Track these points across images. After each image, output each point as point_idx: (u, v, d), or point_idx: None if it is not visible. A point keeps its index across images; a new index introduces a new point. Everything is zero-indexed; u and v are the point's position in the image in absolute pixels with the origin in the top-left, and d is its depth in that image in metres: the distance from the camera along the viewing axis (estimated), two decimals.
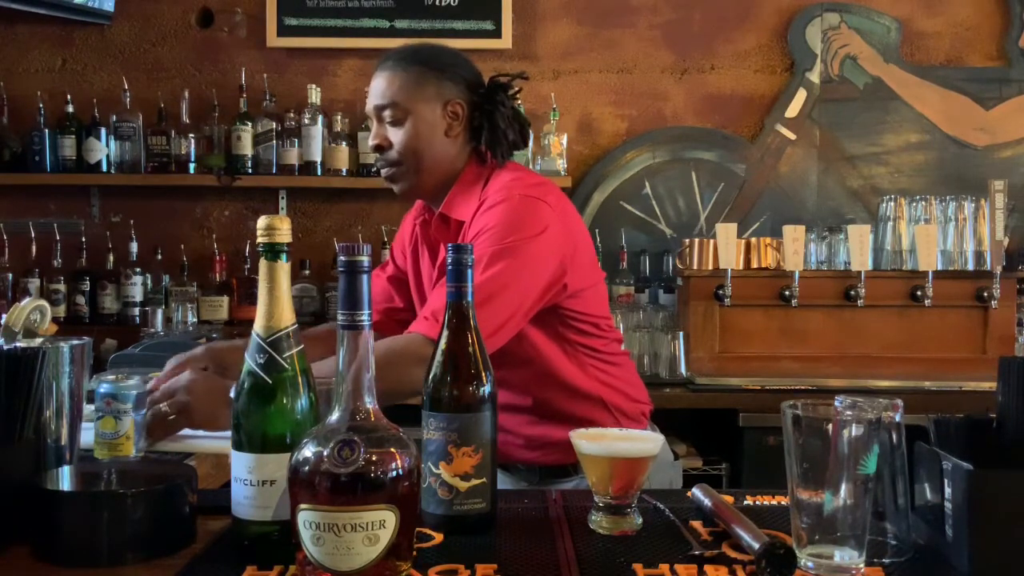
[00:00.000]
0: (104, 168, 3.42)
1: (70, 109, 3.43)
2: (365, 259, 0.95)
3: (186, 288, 3.40)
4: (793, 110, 3.53)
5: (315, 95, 3.40)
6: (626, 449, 1.14)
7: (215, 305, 3.39)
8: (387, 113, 1.75)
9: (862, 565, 0.97)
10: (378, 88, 1.76)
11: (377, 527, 0.88)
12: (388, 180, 1.80)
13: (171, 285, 3.42)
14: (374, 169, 3.34)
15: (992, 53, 3.55)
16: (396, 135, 1.75)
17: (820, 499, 0.96)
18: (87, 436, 1.44)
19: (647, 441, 1.17)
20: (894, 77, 3.52)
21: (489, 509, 1.12)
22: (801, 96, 3.53)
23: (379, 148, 1.77)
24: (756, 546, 0.97)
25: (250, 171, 3.39)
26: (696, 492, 1.21)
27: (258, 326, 1.03)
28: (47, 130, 3.41)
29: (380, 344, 1.51)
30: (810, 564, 0.97)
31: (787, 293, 3.06)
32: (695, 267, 3.08)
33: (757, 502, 1.28)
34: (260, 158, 3.40)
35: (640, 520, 1.14)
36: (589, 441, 1.15)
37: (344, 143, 3.37)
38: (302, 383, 1.04)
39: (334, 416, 0.93)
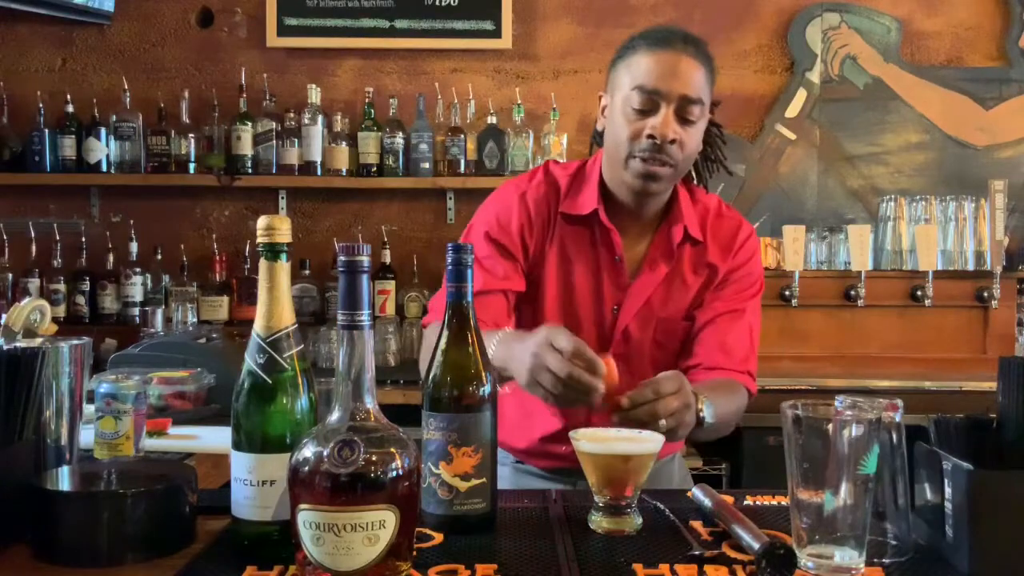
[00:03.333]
0: (104, 168, 3.42)
1: (70, 109, 3.43)
2: (365, 259, 0.95)
3: (186, 288, 3.40)
4: (793, 110, 3.53)
5: (315, 95, 3.40)
6: (626, 449, 1.14)
7: (215, 305, 3.39)
8: (693, 109, 1.53)
9: (862, 565, 0.97)
10: (689, 77, 1.53)
11: (377, 527, 0.88)
12: (646, 176, 1.55)
13: (171, 285, 3.42)
14: (374, 169, 3.37)
15: (992, 53, 3.55)
16: (687, 136, 1.54)
17: (820, 499, 0.96)
18: (87, 436, 1.44)
19: (647, 441, 1.17)
20: (894, 77, 3.52)
21: (489, 509, 1.12)
22: (801, 96, 3.53)
23: (668, 142, 1.52)
24: (756, 546, 0.97)
25: (250, 171, 3.39)
26: (696, 492, 1.21)
27: (258, 326, 1.03)
28: (47, 130, 3.41)
29: (732, 400, 1.57)
30: (810, 564, 0.97)
31: (787, 293, 3.06)
32: None
33: (757, 502, 1.28)
34: (260, 158, 3.40)
35: (640, 520, 1.14)
36: (589, 441, 1.15)
37: (344, 143, 3.37)
38: (302, 383, 1.04)
39: (334, 416, 0.93)
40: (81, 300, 3.42)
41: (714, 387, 1.53)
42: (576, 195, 1.65)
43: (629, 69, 1.56)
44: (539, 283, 1.65)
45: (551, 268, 1.64)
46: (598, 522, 1.13)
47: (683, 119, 1.53)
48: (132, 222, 3.50)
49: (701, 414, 1.36)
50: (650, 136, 1.52)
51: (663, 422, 1.26)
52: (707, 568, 0.99)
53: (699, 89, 1.53)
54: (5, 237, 3.46)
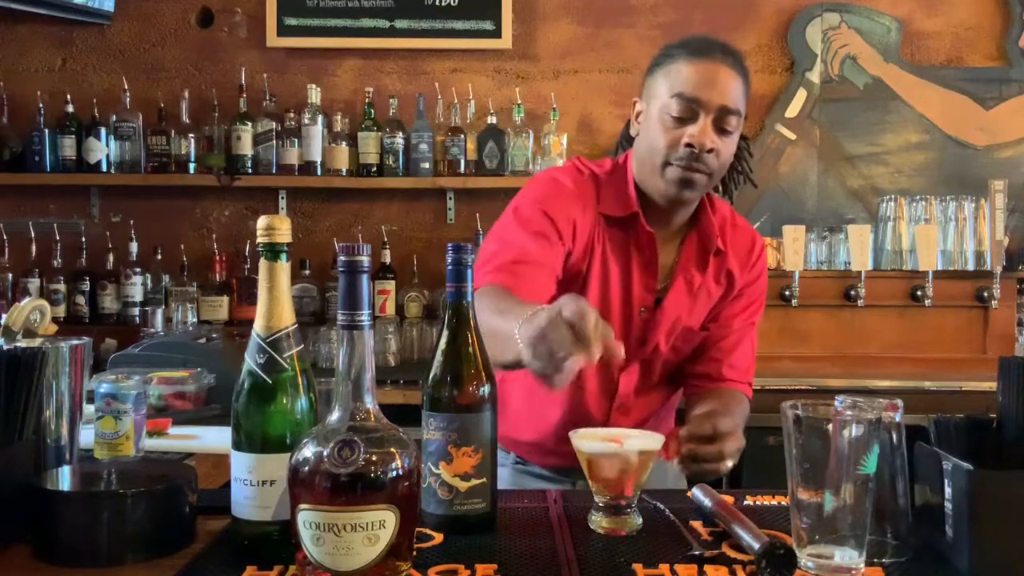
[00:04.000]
0: (104, 168, 3.42)
1: (70, 109, 3.43)
2: (365, 259, 0.95)
3: (186, 288, 3.40)
4: (793, 110, 3.53)
5: (315, 95, 3.40)
6: (626, 448, 1.14)
7: (215, 305, 3.39)
8: (731, 119, 1.54)
9: (862, 565, 0.97)
10: (728, 87, 1.54)
11: (377, 527, 0.88)
12: (682, 184, 1.55)
13: (171, 285, 3.42)
14: (374, 169, 3.37)
15: (992, 53, 3.55)
16: (723, 146, 1.55)
17: (820, 499, 0.96)
18: (87, 436, 1.44)
19: (647, 440, 1.17)
20: (894, 77, 3.52)
21: (489, 509, 1.12)
22: (801, 96, 3.53)
23: (706, 151, 1.53)
24: (756, 546, 0.97)
25: (250, 171, 3.39)
26: (696, 492, 1.21)
27: (258, 326, 1.03)
28: (47, 130, 3.41)
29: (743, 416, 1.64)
30: (810, 564, 0.97)
31: (787, 293, 3.07)
32: None
33: (757, 502, 1.28)
34: (260, 158, 3.40)
35: (640, 520, 1.14)
36: (589, 440, 1.15)
37: (344, 143, 3.37)
38: (302, 383, 1.04)
39: (334, 416, 0.93)
40: (81, 300, 3.42)
41: (729, 403, 1.62)
42: (613, 195, 1.65)
43: (668, 77, 1.56)
44: (583, 279, 1.63)
45: (596, 266, 1.63)
46: (598, 522, 1.13)
47: (720, 129, 1.54)
48: (132, 222, 3.50)
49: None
50: (688, 145, 1.52)
51: (728, 463, 1.36)
52: (707, 568, 0.99)
53: (737, 100, 1.54)
54: (5, 237, 3.46)
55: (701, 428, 1.35)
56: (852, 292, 3.07)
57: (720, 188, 1.76)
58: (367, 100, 3.42)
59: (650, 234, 1.62)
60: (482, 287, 1.38)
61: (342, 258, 0.95)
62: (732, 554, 1.03)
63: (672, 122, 1.54)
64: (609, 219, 1.64)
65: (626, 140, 1.72)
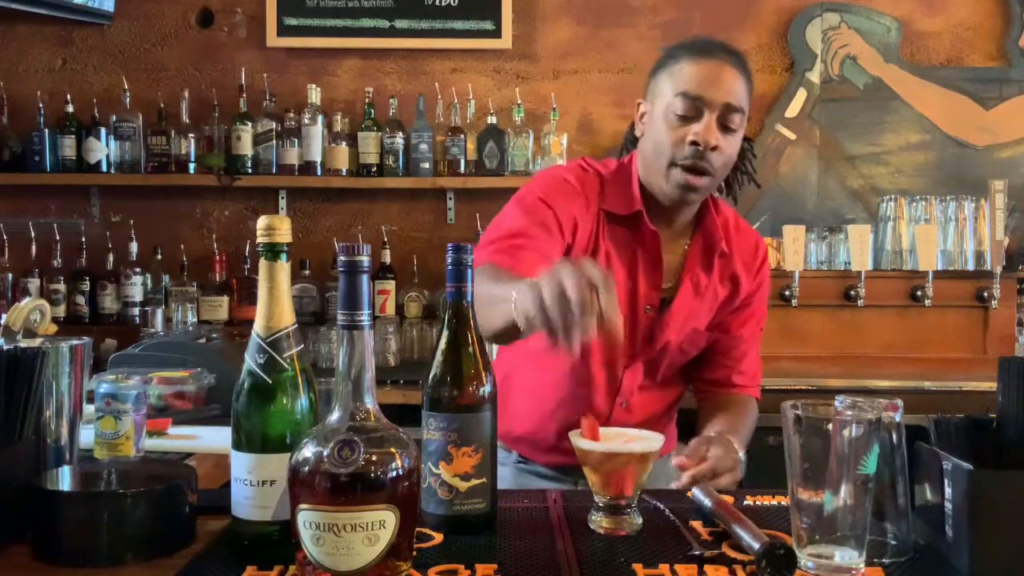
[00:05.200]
0: (104, 168, 3.42)
1: (70, 109, 3.43)
2: (365, 259, 0.95)
3: (186, 288, 3.40)
4: (793, 110, 3.53)
5: (315, 95, 3.40)
6: (626, 448, 1.14)
7: (215, 305, 3.39)
8: (735, 117, 1.56)
9: (862, 565, 0.97)
10: (732, 86, 1.56)
11: (377, 527, 0.88)
12: (685, 187, 1.57)
13: (171, 285, 3.42)
14: (374, 169, 3.37)
15: (992, 53, 3.55)
16: (727, 144, 1.56)
17: (820, 499, 0.96)
18: (87, 436, 1.44)
19: (647, 440, 1.17)
20: (894, 77, 3.52)
21: (489, 509, 1.12)
22: (801, 96, 3.53)
23: (711, 148, 1.54)
24: (756, 546, 0.97)
25: (250, 171, 3.39)
26: (696, 492, 1.21)
27: (258, 326, 1.03)
28: (47, 130, 3.41)
29: (750, 424, 1.71)
30: (810, 564, 0.97)
31: (787, 293, 3.06)
32: None
33: (757, 502, 1.28)
34: (260, 158, 3.40)
35: (640, 520, 1.14)
36: (589, 440, 1.15)
37: (344, 143, 3.37)
38: (302, 383, 1.04)
39: (334, 416, 0.93)
40: (81, 300, 3.42)
41: (736, 419, 1.67)
42: (617, 194, 1.66)
43: (672, 77, 1.58)
44: None
45: (600, 263, 1.61)
46: (598, 522, 1.13)
47: (724, 127, 1.55)
48: (132, 222, 3.50)
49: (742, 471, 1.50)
50: (693, 143, 1.53)
51: (724, 480, 1.39)
52: (707, 568, 0.99)
53: (741, 98, 1.56)
54: (5, 237, 3.46)
55: (702, 472, 1.38)
56: (852, 292, 3.07)
57: (724, 188, 1.76)
58: (367, 100, 3.42)
59: (654, 233, 1.63)
60: (481, 265, 1.38)
61: (342, 258, 0.95)
62: (732, 554, 1.03)
63: (677, 120, 1.55)
64: (613, 217, 1.65)
65: (630, 142, 1.73)
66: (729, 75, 1.56)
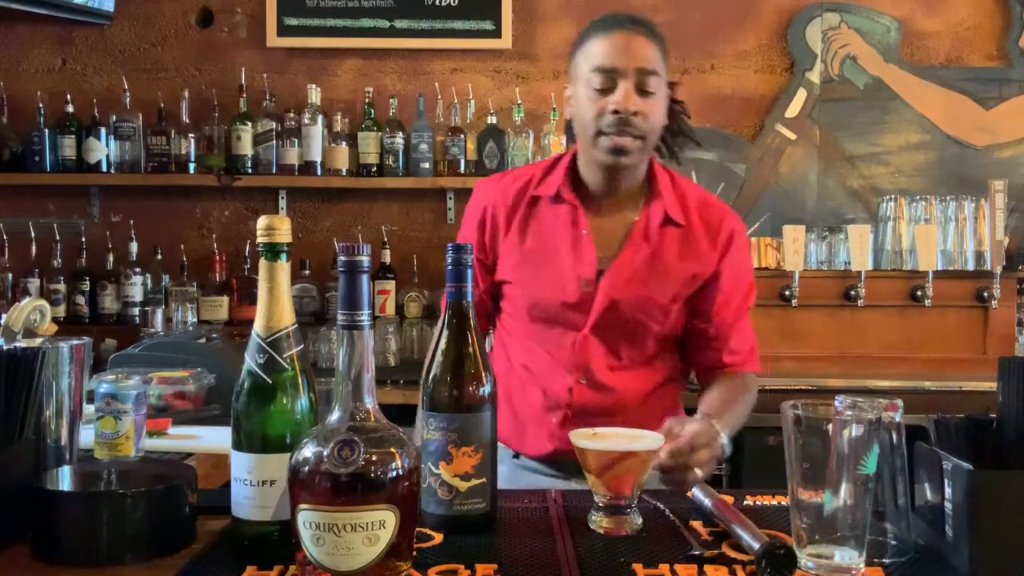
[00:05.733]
0: (104, 168, 3.42)
1: (70, 109, 3.43)
2: (365, 259, 0.95)
3: (186, 288, 3.40)
4: (793, 110, 3.53)
5: (315, 95, 3.40)
6: (626, 447, 1.14)
7: (215, 305, 3.39)
8: (650, 80, 1.61)
9: (862, 565, 0.97)
10: (642, 52, 1.62)
11: (377, 527, 0.88)
12: (616, 153, 1.62)
13: (171, 285, 3.42)
14: (374, 169, 3.37)
15: (992, 53, 3.55)
16: (648, 107, 1.61)
17: (820, 499, 0.96)
18: (87, 436, 1.44)
19: (646, 440, 1.17)
20: (894, 77, 3.52)
21: (489, 509, 1.12)
22: (801, 96, 3.53)
23: (632, 114, 1.59)
24: (756, 546, 0.97)
25: (250, 171, 3.39)
26: (696, 492, 1.21)
27: (258, 326, 1.03)
28: (47, 130, 3.41)
29: (745, 404, 1.69)
30: (810, 564, 0.97)
31: (787, 293, 3.06)
32: None
33: (757, 502, 1.28)
34: (260, 158, 3.39)
35: (640, 520, 1.14)
36: (589, 440, 1.15)
37: (344, 143, 3.37)
38: (302, 383, 1.04)
39: (334, 416, 0.93)
40: (81, 300, 3.42)
41: (726, 397, 1.67)
42: (549, 180, 1.75)
43: (586, 55, 1.65)
44: (523, 261, 1.73)
45: (530, 244, 1.73)
46: (598, 522, 1.13)
47: (643, 91, 1.61)
48: (132, 222, 3.49)
49: (725, 451, 1.45)
50: (614, 111, 1.60)
51: (699, 473, 1.33)
52: (707, 568, 0.99)
53: (653, 61, 1.62)
54: (5, 237, 3.46)
55: (679, 448, 1.34)
56: (852, 292, 3.06)
57: (664, 151, 1.79)
58: (367, 100, 3.42)
59: (574, 207, 1.71)
60: None
61: (342, 258, 0.95)
62: (732, 554, 1.03)
63: (595, 94, 1.62)
64: (540, 199, 1.74)
65: (570, 131, 1.80)
66: (637, 43, 1.63)
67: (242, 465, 1.02)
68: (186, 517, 1.07)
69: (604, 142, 1.62)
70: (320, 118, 3.37)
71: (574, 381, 1.70)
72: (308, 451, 0.90)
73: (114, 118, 3.40)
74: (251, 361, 1.03)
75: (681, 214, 1.71)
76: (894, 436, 1.04)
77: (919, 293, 3.05)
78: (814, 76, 3.53)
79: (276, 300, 1.03)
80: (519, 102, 3.39)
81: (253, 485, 1.01)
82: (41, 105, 3.43)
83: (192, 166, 3.41)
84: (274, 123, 3.38)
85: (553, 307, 1.70)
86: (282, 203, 3.57)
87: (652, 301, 1.69)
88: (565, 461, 1.66)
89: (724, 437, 1.44)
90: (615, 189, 1.71)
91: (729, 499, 1.21)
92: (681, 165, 1.83)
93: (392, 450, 0.91)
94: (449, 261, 1.14)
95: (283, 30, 3.51)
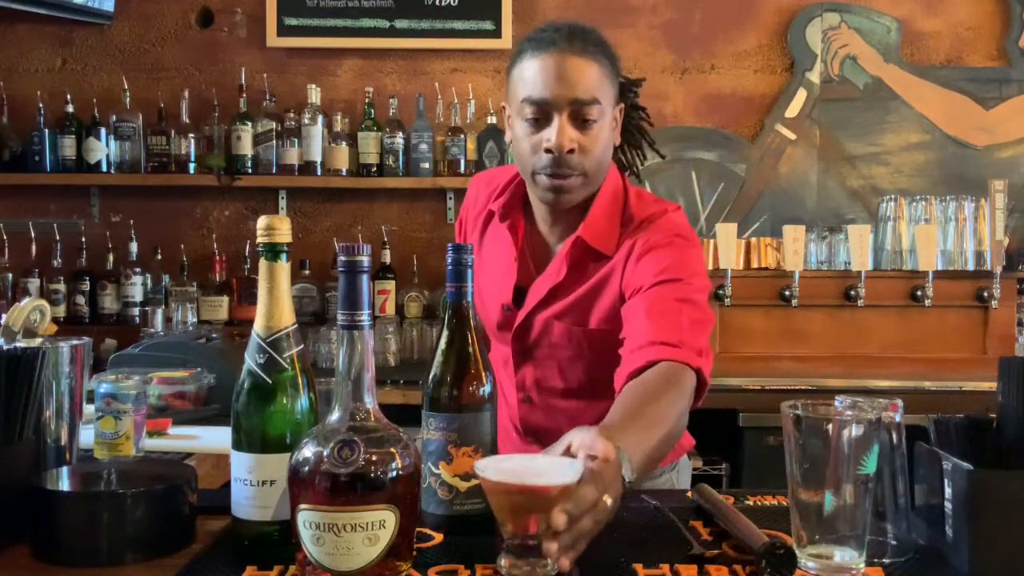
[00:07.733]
0: (104, 168, 3.43)
1: (70, 109, 3.43)
2: (365, 259, 0.95)
3: (186, 288, 3.40)
4: (793, 110, 3.53)
5: (315, 95, 3.40)
6: (526, 481, 0.90)
7: (215, 305, 3.39)
8: (590, 110, 1.43)
9: (862, 565, 0.97)
10: (577, 77, 1.43)
11: (377, 527, 0.88)
12: (555, 191, 1.47)
13: (171, 285, 3.43)
14: (374, 169, 3.37)
15: (992, 53, 3.55)
16: (588, 140, 1.45)
17: (820, 499, 0.96)
18: (87, 436, 1.44)
19: (559, 471, 0.92)
20: (894, 77, 3.52)
21: (489, 509, 1.12)
22: (801, 96, 3.53)
23: (567, 152, 1.44)
24: (756, 546, 0.97)
25: (250, 171, 3.39)
26: (696, 492, 1.21)
27: (258, 326, 1.03)
28: (47, 130, 3.41)
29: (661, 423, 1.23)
30: (810, 564, 0.97)
31: (787, 293, 3.06)
32: None
33: (757, 502, 1.28)
34: (260, 158, 3.40)
35: (556, 570, 0.92)
36: (494, 469, 0.92)
37: (344, 143, 3.37)
38: (302, 383, 1.04)
39: (334, 416, 0.93)
40: (81, 300, 3.43)
41: (636, 413, 1.22)
42: (504, 193, 1.64)
43: (521, 78, 1.48)
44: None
45: (478, 259, 1.57)
46: (505, 567, 0.92)
47: (583, 121, 1.44)
48: (132, 222, 3.50)
49: (627, 483, 1.05)
50: (547, 150, 1.44)
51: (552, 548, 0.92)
52: (707, 568, 0.99)
53: (591, 88, 1.44)
54: (5, 237, 3.46)
55: (556, 520, 0.90)
56: (852, 292, 3.06)
57: (625, 163, 1.67)
58: (367, 100, 3.42)
59: (516, 228, 1.61)
60: None
61: (342, 258, 0.95)
62: (732, 554, 1.03)
63: (528, 127, 1.47)
64: (496, 214, 1.64)
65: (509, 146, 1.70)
66: (572, 66, 1.43)
67: (242, 465, 1.02)
68: (186, 517, 1.07)
69: (542, 181, 1.48)
70: (320, 118, 3.37)
71: (519, 400, 1.65)
72: (308, 451, 0.90)
73: (114, 118, 3.41)
74: (251, 361, 1.03)
75: (604, 240, 1.53)
76: (894, 436, 1.04)
77: (919, 293, 3.05)
78: (814, 76, 3.53)
79: (276, 300, 1.03)
80: None
81: (253, 485, 1.01)
82: (41, 105, 3.43)
83: (192, 166, 3.41)
84: (274, 123, 3.38)
85: (489, 325, 1.66)
86: (282, 203, 3.57)
87: (569, 327, 1.56)
88: None
89: (626, 466, 1.04)
90: (559, 215, 1.57)
91: (729, 499, 1.21)
92: (641, 180, 1.69)
93: (392, 450, 0.91)
94: (449, 261, 1.14)
95: (283, 30, 3.51)
